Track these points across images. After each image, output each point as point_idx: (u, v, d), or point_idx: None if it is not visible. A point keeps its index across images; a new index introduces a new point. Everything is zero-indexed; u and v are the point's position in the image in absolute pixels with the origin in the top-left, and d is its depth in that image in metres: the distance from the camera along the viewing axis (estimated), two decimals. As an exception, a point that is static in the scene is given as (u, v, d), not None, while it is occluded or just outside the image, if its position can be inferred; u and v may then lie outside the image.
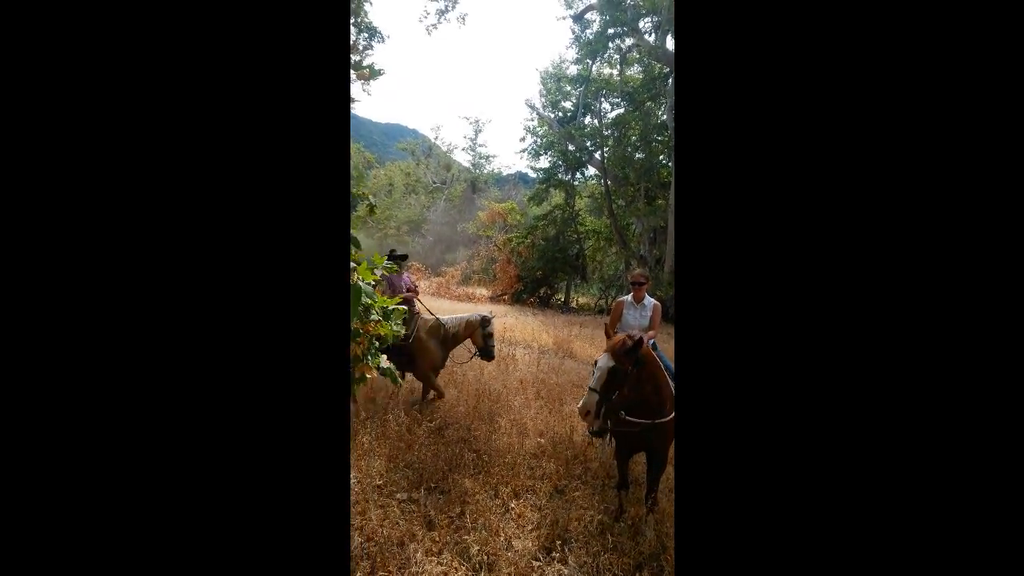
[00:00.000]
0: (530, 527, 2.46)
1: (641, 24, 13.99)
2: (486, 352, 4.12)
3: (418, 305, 4.23)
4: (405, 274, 4.21)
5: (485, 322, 4.12)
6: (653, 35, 14.01)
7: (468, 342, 4.30)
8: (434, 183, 28.56)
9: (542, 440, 3.48)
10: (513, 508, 2.60)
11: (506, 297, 15.65)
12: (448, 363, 4.37)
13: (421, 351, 4.03)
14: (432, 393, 4.17)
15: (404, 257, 4.36)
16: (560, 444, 3.42)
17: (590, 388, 2.31)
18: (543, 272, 15.56)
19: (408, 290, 4.11)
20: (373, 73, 3.03)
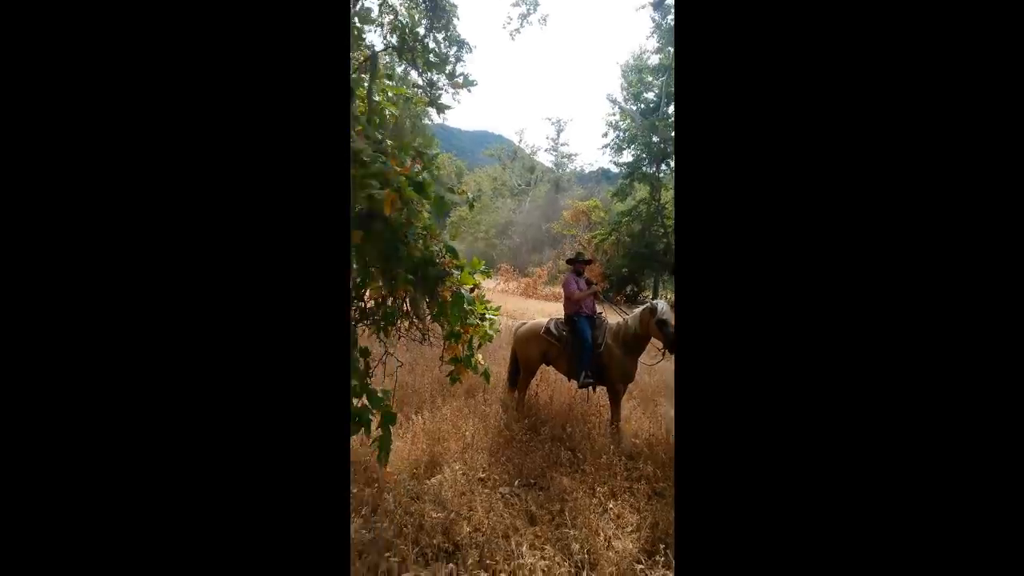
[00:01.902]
0: (629, 528, 2.44)
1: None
2: (668, 343, 3.40)
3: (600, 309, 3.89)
4: (582, 277, 3.99)
5: (652, 310, 3.50)
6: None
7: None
8: (519, 185, 28.98)
9: (637, 441, 3.43)
10: (611, 508, 2.60)
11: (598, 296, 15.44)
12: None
13: (611, 360, 3.62)
14: (617, 419, 3.62)
15: (589, 262, 4.18)
16: (657, 445, 3.35)
17: None
18: (629, 269, 15.16)
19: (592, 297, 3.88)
20: (467, 82, 3.19)
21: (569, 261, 4.14)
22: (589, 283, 4.00)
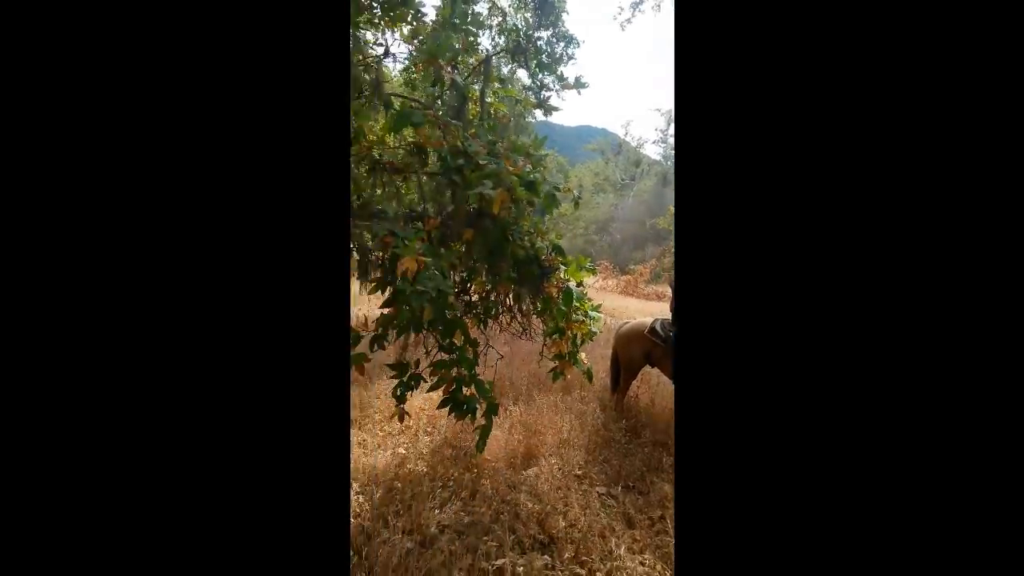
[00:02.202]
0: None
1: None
2: None
3: None
4: None
5: None
6: None
7: None
8: (623, 180, 28.20)
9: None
10: (719, 523, 2.45)
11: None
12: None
13: None
14: None
15: None
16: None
17: None
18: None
19: None
20: (578, 84, 3.18)
21: None
22: None
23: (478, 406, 2.05)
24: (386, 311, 1.79)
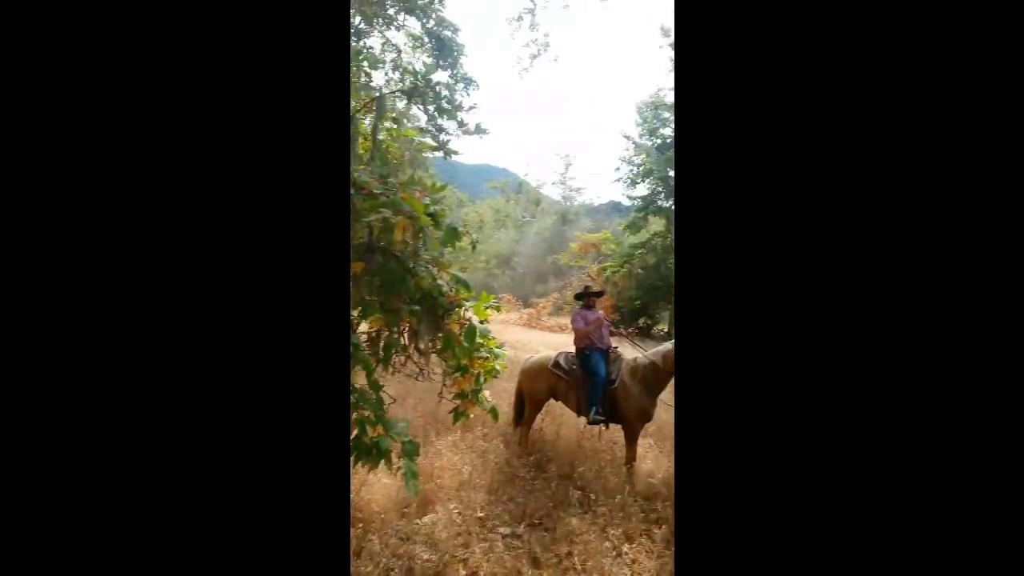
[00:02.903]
0: (646, 575, 2.30)
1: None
2: None
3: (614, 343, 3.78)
4: (599, 310, 3.86)
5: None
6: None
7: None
8: (523, 217, 29.32)
9: (654, 481, 3.27)
10: (627, 553, 2.46)
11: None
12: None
13: (627, 398, 3.49)
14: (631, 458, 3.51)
15: (599, 294, 4.05)
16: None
17: None
18: (642, 301, 15.07)
19: (606, 330, 3.76)
20: (479, 130, 3.25)
21: (577, 296, 3.97)
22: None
23: (391, 448, 1.86)
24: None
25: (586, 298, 3.87)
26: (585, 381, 3.57)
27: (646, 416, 3.50)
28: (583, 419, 3.76)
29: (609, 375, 3.54)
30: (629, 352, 3.80)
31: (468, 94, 9.90)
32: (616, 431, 3.77)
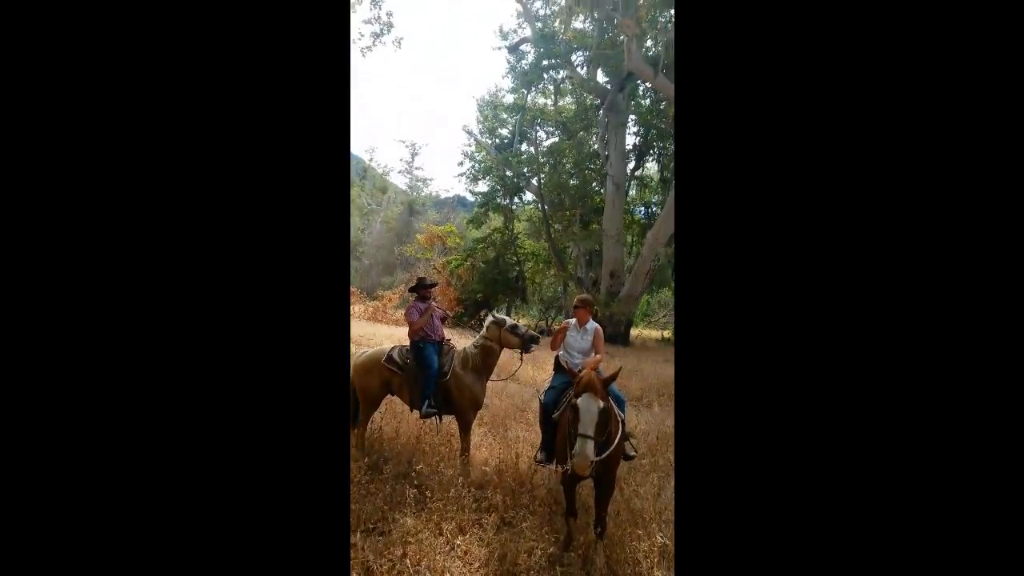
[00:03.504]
0: (477, 564, 2.33)
1: (573, 57, 14.72)
2: (524, 343, 3.49)
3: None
4: (431, 301, 3.78)
5: (500, 323, 3.58)
6: (585, 68, 14.73)
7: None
8: (369, 205, 27.93)
9: (487, 468, 3.36)
10: (459, 545, 2.46)
11: (446, 320, 15.41)
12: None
13: (459, 388, 3.53)
14: (466, 449, 3.54)
15: (433, 285, 3.96)
16: (506, 471, 3.32)
17: (582, 435, 2.17)
18: (484, 295, 15.51)
19: (441, 320, 3.73)
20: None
21: (411, 289, 3.90)
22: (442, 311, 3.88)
23: None
24: None
25: (421, 290, 3.82)
26: (419, 374, 3.52)
27: (477, 404, 3.60)
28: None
29: (442, 367, 3.55)
30: (460, 344, 3.86)
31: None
32: (452, 423, 3.79)
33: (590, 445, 2.16)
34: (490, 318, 3.68)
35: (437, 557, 2.32)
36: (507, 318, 3.67)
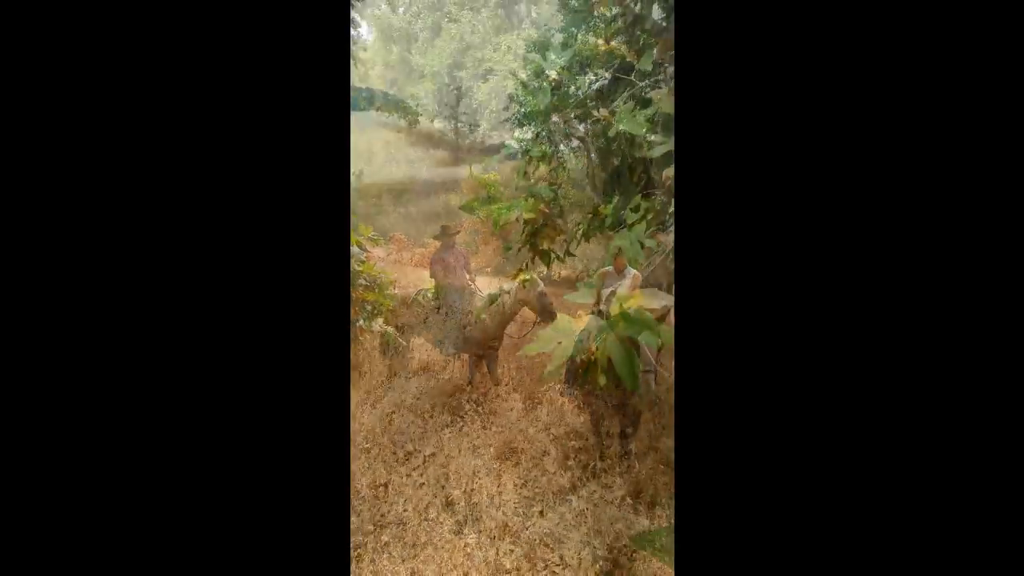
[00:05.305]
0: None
1: (627, -8, 13.70)
2: (542, 316, 3.75)
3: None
4: (457, 249, 4.09)
5: (534, 284, 3.79)
6: (639, 4, 13.77)
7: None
8: (415, 153, 27.85)
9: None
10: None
11: (489, 269, 15.60)
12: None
13: (483, 330, 3.88)
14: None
15: (456, 232, 4.38)
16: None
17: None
18: (528, 247, 15.50)
19: (464, 268, 4.01)
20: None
21: (436, 237, 4.26)
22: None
23: None
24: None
25: (445, 238, 4.01)
26: (446, 318, 3.88)
27: (496, 344, 3.92)
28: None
29: (466, 312, 3.88)
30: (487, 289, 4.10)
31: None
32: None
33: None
34: (527, 276, 3.85)
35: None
36: (541, 283, 3.83)
